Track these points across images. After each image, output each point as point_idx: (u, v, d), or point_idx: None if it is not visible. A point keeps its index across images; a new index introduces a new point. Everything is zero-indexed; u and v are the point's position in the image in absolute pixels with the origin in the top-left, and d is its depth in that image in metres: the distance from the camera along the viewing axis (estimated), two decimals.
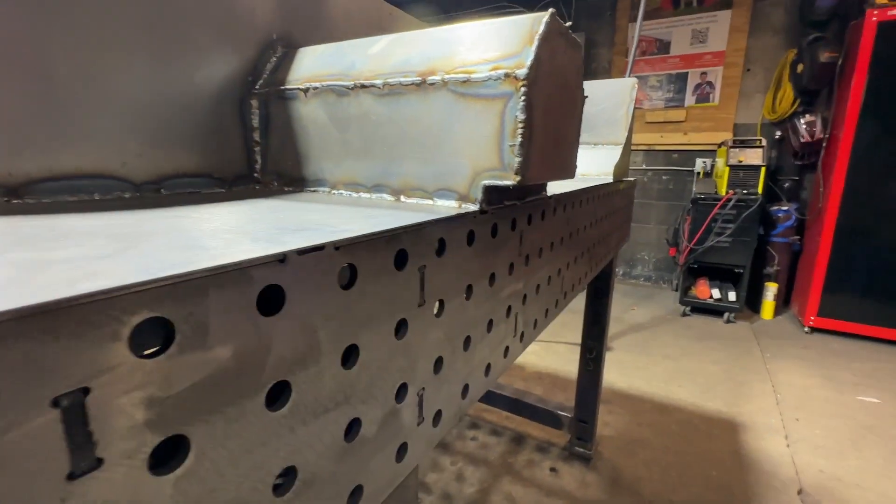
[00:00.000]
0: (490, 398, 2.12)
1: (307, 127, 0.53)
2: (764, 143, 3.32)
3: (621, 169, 1.38)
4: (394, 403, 0.38)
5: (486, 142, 0.40)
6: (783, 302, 3.72)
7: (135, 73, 0.46)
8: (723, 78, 3.96)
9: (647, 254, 4.61)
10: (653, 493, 1.71)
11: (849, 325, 3.16)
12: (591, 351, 1.81)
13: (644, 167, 4.46)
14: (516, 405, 2.05)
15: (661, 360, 2.87)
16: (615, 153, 1.43)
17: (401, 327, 0.38)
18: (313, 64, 0.55)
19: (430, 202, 0.45)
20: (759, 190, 3.29)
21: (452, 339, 0.46)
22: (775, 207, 3.54)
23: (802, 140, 3.38)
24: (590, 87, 1.47)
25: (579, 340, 2.66)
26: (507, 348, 0.63)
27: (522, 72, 0.38)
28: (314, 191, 0.54)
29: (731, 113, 3.97)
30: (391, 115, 0.46)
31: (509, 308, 0.61)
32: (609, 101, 1.45)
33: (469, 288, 0.48)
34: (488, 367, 0.57)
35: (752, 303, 3.71)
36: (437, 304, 0.43)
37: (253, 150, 0.59)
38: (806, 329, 3.30)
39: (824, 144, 3.32)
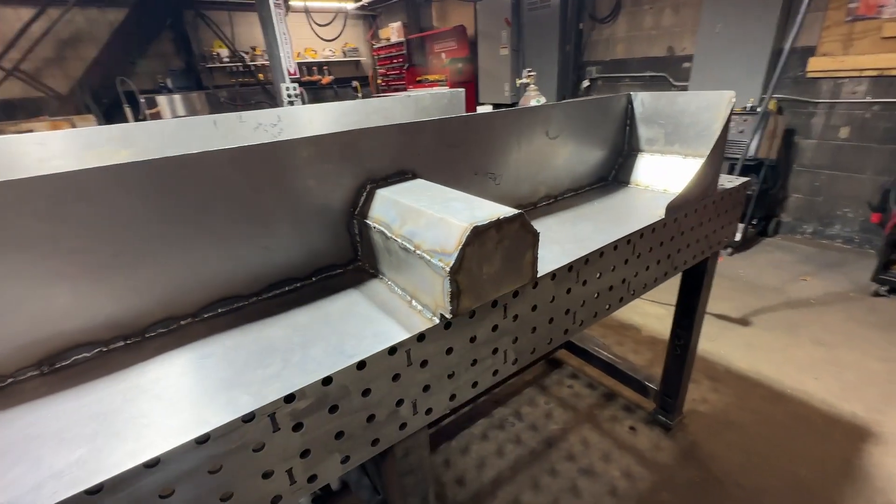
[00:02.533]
0: (588, 358, 2.43)
1: (376, 245, 0.97)
2: None
3: (703, 184, 1.40)
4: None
5: (439, 293, 0.77)
6: None
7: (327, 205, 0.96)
8: None
9: (853, 210, 3.73)
10: (722, 472, 1.86)
11: None
12: (679, 338, 1.92)
13: (868, 99, 3.44)
14: (609, 369, 2.31)
15: (808, 346, 2.60)
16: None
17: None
18: (378, 209, 0.96)
19: (421, 308, 0.85)
20: None
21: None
22: None
23: None
24: (682, 98, 1.46)
25: (718, 311, 2.72)
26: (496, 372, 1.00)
27: (449, 268, 0.72)
28: (381, 278, 0.99)
29: None
30: (406, 258, 0.86)
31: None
32: (703, 113, 1.42)
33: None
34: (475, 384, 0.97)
35: None
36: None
37: (357, 246, 1.05)
38: None
39: None
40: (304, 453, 0.70)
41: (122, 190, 0.74)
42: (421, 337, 0.80)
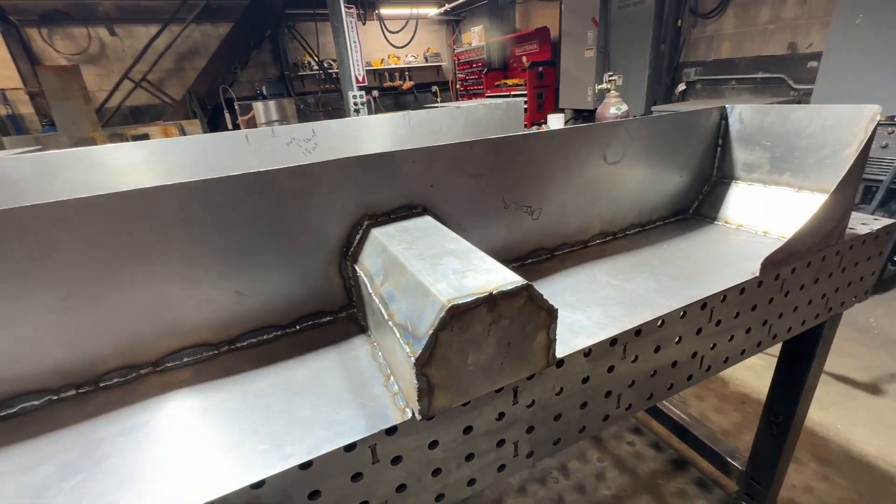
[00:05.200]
0: (657, 413, 2.05)
1: (364, 297, 0.80)
2: None
3: (821, 229, 1.04)
4: None
5: (409, 384, 0.58)
6: None
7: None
8: None
9: None
10: None
11: None
12: (776, 415, 1.50)
13: None
14: (682, 432, 1.93)
15: None
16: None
17: None
18: (368, 254, 0.79)
19: (397, 391, 0.67)
20: None
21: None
22: None
23: None
24: (799, 113, 1.10)
25: (837, 370, 2.22)
26: None
27: (415, 358, 0.53)
28: (369, 336, 0.83)
29: None
30: (384, 324, 0.68)
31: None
32: (830, 134, 1.05)
33: None
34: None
35: None
36: None
37: (350, 289, 0.90)
38: None
39: None
40: None
41: (64, 227, 0.65)
42: (392, 430, 0.62)
